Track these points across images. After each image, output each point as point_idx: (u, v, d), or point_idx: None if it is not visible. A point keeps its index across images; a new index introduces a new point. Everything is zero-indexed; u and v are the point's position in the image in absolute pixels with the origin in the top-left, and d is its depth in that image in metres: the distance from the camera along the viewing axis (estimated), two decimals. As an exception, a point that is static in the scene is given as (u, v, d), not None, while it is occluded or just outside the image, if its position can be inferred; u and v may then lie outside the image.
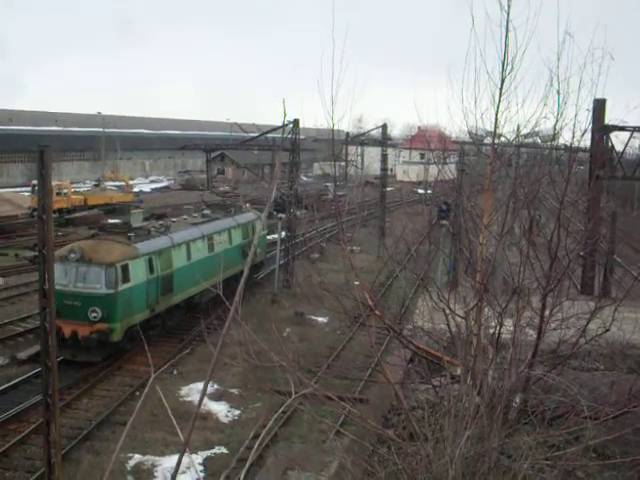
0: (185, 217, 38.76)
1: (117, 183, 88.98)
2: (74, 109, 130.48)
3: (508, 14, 11.62)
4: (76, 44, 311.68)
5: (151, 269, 30.81)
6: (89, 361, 27.85)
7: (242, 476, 5.92)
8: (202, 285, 34.25)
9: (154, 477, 20.70)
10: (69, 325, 27.76)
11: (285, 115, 6.21)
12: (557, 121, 12.79)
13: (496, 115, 12.47)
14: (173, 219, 37.64)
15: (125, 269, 28.97)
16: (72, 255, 28.60)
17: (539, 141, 20.75)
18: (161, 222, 35.50)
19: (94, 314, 27.84)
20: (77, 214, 66.68)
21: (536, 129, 13.73)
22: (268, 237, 58.32)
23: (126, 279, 28.96)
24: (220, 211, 42.80)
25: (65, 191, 68.54)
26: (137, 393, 25.98)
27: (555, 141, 15.16)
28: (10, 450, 21.78)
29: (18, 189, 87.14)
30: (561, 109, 12.49)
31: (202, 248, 36.17)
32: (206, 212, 41.27)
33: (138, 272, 29.72)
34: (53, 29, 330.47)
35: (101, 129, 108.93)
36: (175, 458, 20.34)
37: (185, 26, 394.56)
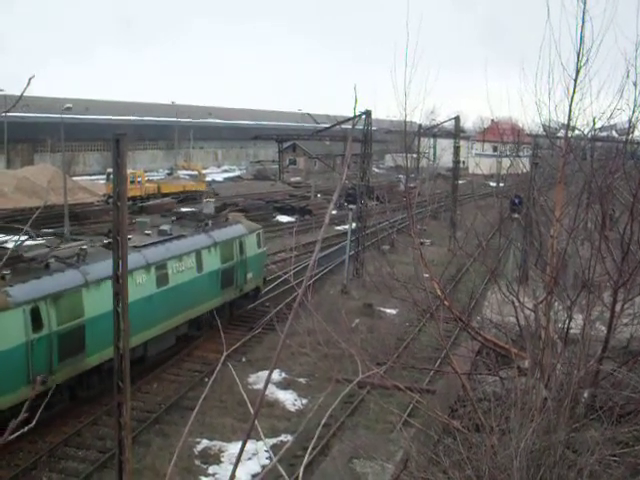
0: (128, 237, 25.43)
1: (190, 172, 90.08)
2: (148, 99, 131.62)
3: (585, 4, 11.46)
4: (148, 35, 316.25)
5: (37, 324, 20.82)
6: None
7: (305, 460, 6.01)
8: (145, 334, 25.85)
9: (221, 462, 21.06)
10: None
11: (356, 102, 6.09)
12: (633, 113, 12.56)
13: (570, 107, 12.29)
14: (105, 240, 25.89)
15: None
16: None
17: (615, 134, 20.40)
18: (79, 247, 24.66)
19: None
20: (151, 202, 67.69)
21: (611, 122, 13.51)
22: (338, 228, 58.20)
23: None
24: (190, 224, 32.05)
25: (139, 179, 69.81)
26: (206, 379, 26.35)
27: (631, 134, 14.90)
28: (83, 430, 22.45)
29: (94, 177, 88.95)
30: (637, 101, 12.25)
31: (145, 282, 26.04)
32: (164, 228, 29.90)
33: (7, 332, 19.93)
34: (132, 19, 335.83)
35: (174, 119, 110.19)
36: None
37: (256, 19, 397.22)
